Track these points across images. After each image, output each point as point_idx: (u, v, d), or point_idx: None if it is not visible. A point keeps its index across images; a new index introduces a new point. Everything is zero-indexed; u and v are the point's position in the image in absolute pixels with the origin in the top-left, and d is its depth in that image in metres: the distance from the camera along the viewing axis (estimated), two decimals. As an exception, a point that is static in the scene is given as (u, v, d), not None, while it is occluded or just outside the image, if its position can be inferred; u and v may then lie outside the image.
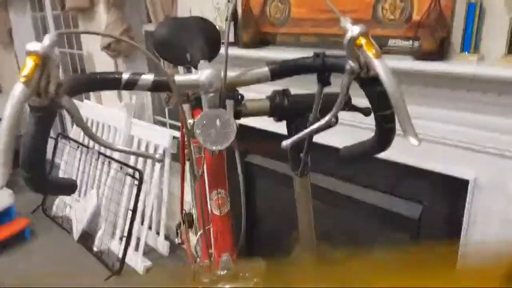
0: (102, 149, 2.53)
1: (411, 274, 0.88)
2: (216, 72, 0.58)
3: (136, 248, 2.32)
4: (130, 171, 2.32)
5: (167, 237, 2.39)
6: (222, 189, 0.72)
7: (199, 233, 1.17)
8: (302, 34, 1.45)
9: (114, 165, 2.43)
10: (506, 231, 1.11)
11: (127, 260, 2.28)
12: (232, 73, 0.60)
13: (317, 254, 0.87)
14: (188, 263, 1.58)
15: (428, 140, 1.17)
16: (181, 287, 1.47)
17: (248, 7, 1.54)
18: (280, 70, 0.61)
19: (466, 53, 1.07)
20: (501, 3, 1.03)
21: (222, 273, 0.71)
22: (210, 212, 0.73)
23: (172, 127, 2.49)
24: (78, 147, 2.77)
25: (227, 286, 0.70)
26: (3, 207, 2.50)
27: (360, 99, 0.59)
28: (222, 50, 0.62)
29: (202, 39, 0.76)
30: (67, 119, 3.46)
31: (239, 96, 0.64)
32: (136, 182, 2.24)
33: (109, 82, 0.56)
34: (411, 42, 1.18)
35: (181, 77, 0.58)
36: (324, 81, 0.60)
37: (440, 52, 1.10)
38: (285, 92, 0.70)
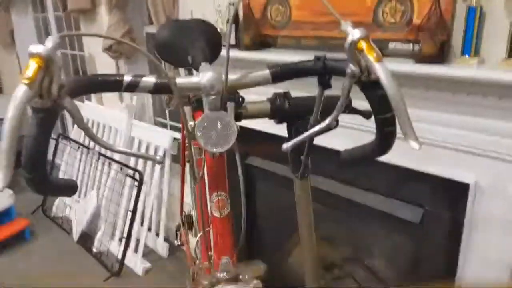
0: (103, 150, 2.54)
1: None
2: (217, 75, 0.58)
3: (136, 250, 2.32)
4: (130, 172, 2.32)
5: (166, 239, 2.39)
6: (223, 191, 0.72)
7: (198, 235, 1.16)
8: (303, 37, 1.45)
9: (114, 166, 2.43)
10: (507, 234, 1.11)
11: (126, 261, 2.28)
12: (233, 76, 0.60)
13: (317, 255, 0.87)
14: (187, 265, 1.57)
15: (429, 143, 1.17)
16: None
17: (249, 10, 1.55)
18: (281, 73, 0.61)
19: (467, 56, 1.07)
20: (501, 7, 1.03)
21: (221, 275, 0.71)
22: (210, 214, 0.73)
23: (173, 128, 2.49)
24: (78, 147, 2.77)
25: (227, 287, 0.71)
26: (3, 207, 2.51)
27: (361, 102, 0.59)
28: (223, 52, 0.62)
29: (203, 41, 0.76)
30: (68, 119, 3.46)
31: (240, 99, 0.64)
32: (136, 183, 2.24)
33: (111, 84, 0.56)
34: (411, 45, 1.18)
35: (182, 79, 0.59)
36: (325, 84, 0.60)
37: (441, 56, 1.10)
38: (286, 95, 0.70)
